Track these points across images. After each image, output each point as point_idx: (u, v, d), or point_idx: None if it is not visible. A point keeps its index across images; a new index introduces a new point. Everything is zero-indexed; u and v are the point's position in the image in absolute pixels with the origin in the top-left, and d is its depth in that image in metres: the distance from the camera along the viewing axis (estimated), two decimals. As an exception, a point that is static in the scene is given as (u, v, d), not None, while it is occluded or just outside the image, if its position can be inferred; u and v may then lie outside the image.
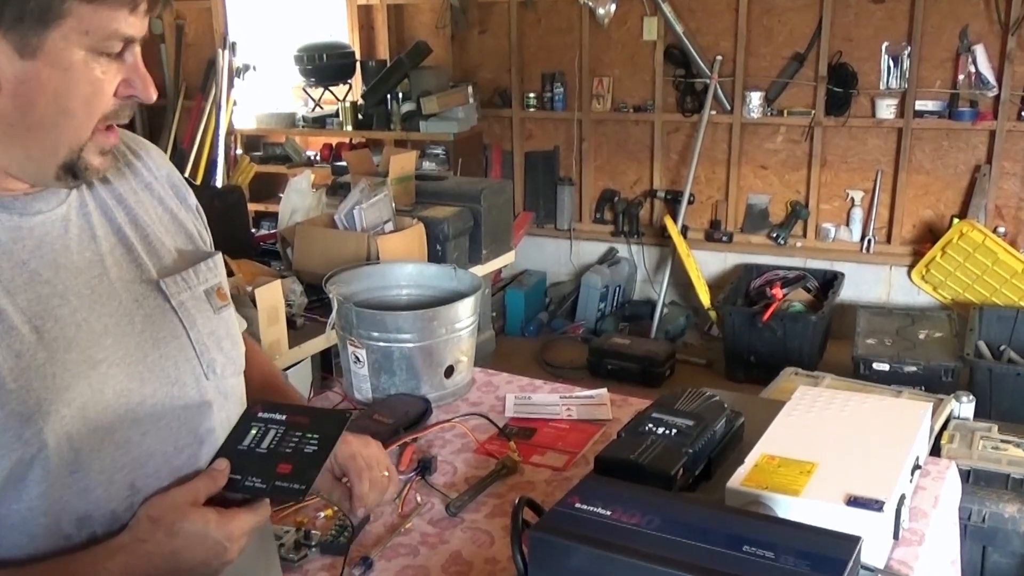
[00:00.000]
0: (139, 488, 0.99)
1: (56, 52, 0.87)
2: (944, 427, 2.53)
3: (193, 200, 1.17)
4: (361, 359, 1.94)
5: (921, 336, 4.18)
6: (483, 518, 1.56)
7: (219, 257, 1.14)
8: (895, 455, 1.48)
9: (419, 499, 1.61)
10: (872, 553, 1.32)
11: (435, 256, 2.99)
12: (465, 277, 2.16)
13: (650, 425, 1.60)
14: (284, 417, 1.10)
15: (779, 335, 4.30)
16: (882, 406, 1.66)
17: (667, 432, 1.58)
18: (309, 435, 1.07)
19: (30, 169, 0.93)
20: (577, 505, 1.20)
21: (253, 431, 1.08)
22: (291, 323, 2.47)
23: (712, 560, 1.09)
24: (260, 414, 1.10)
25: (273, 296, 2.29)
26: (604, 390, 2.04)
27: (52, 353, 0.92)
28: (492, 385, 2.09)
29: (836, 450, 1.49)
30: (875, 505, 1.33)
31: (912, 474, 1.53)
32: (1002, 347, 4.06)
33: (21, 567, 0.92)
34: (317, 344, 2.48)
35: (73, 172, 0.93)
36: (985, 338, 4.04)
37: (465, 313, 1.98)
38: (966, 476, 2.37)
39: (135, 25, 0.90)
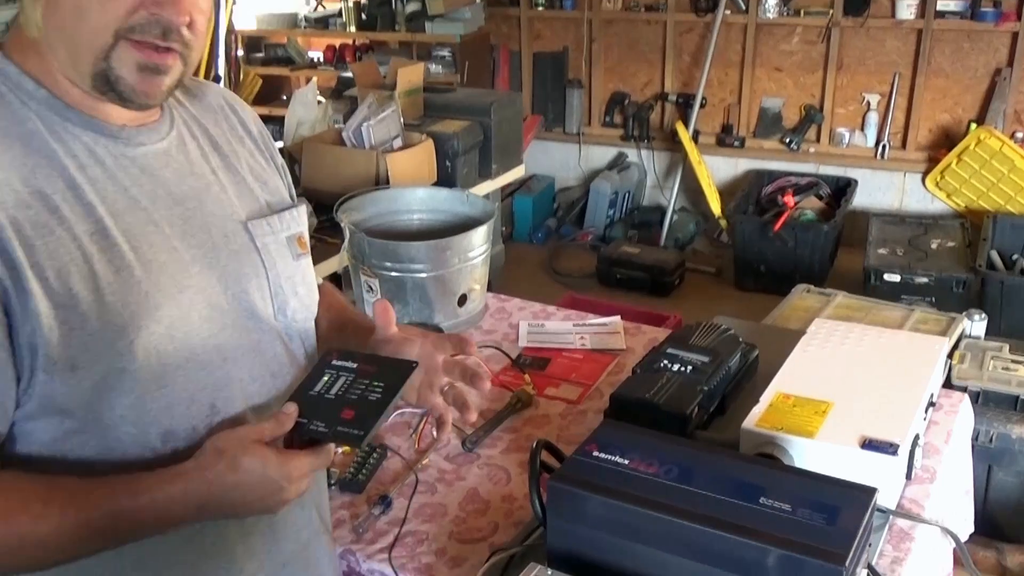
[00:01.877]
0: (219, 409, 1.04)
1: None
2: (955, 347, 2.53)
3: (280, 159, 1.23)
4: (374, 288, 1.94)
5: (933, 246, 4.15)
6: (499, 454, 1.58)
7: (303, 208, 1.19)
8: (910, 395, 1.48)
9: (435, 434, 1.61)
10: (885, 494, 1.33)
11: (444, 172, 2.96)
12: (477, 202, 2.13)
13: (665, 362, 1.60)
14: (355, 365, 1.12)
15: (790, 246, 4.28)
16: (898, 341, 1.66)
17: (682, 369, 1.58)
18: (375, 383, 1.10)
19: (73, 74, 0.96)
20: (595, 453, 1.21)
21: (325, 377, 1.11)
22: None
23: (729, 513, 1.09)
24: (334, 361, 1.13)
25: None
26: (617, 318, 2.04)
27: (147, 273, 0.97)
28: (505, 312, 2.08)
29: (851, 389, 1.49)
30: (889, 449, 1.34)
31: (926, 412, 1.53)
32: (1015, 256, 4.04)
33: (89, 479, 0.96)
34: (329, 266, 2.47)
35: (108, 82, 0.96)
36: (998, 247, 4.01)
37: (478, 241, 1.96)
38: (975, 397, 2.38)
39: None
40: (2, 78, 0.96)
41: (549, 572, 1.12)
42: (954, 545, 1.48)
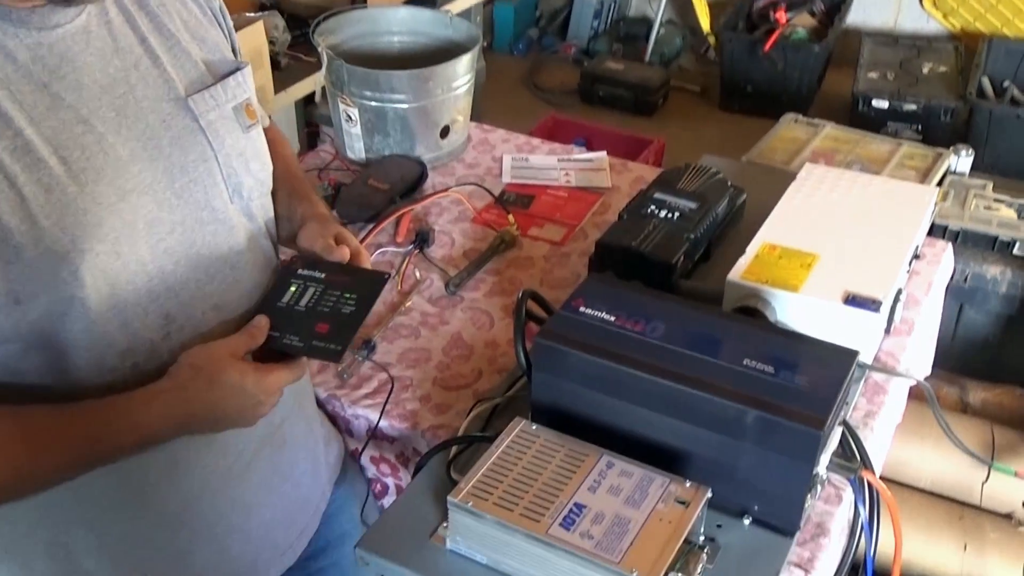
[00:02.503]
0: (174, 317, 0.99)
1: None
2: (939, 183, 2.52)
3: (217, 0, 1.08)
4: (353, 118, 1.87)
5: (925, 70, 4.06)
6: (482, 297, 1.57)
7: (248, 70, 1.06)
8: (896, 248, 1.47)
9: (418, 275, 1.61)
10: (864, 349, 1.35)
11: (424, -18, 2.80)
12: (461, 26, 2.03)
13: (652, 207, 1.57)
14: (323, 276, 1.09)
15: (779, 68, 4.17)
16: (888, 189, 1.63)
17: (669, 216, 1.56)
18: (347, 295, 1.07)
19: None
20: (581, 309, 1.21)
21: (292, 288, 1.07)
22: (275, 63, 2.35)
23: (712, 374, 1.10)
24: (300, 271, 1.09)
25: (256, 39, 2.16)
26: (603, 153, 1.99)
27: (81, 186, 0.87)
28: (488, 144, 2.03)
29: (838, 240, 1.47)
30: (872, 305, 1.34)
31: (910, 264, 1.53)
32: (1006, 83, 3.97)
33: (63, 407, 0.93)
34: (304, 87, 2.38)
35: None
36: (990, 74, 3.93)
37: (462, 71, 1.89)
38: (955, 236, 2.40)
39: None
40: None
41: (534, 427, 1.14)
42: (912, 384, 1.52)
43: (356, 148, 1.91)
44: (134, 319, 0.95)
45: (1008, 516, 2.00)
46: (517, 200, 1.83)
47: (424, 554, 1.07)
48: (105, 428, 0.93)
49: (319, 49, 1.85)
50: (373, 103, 1.84)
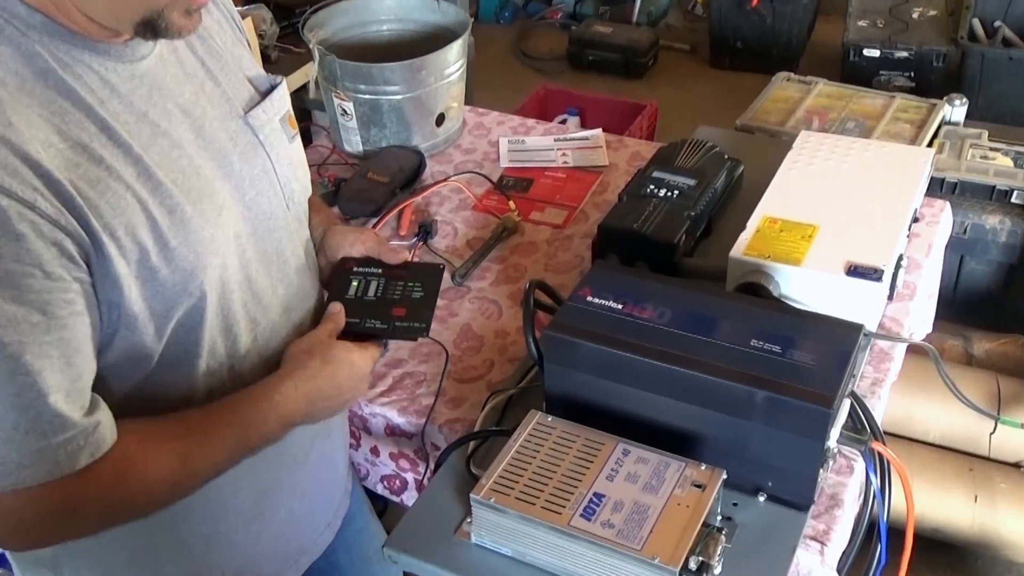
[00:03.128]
0: (258, 321, 1.06)
1: None
2: (935, 135, 2.52)
3: (239, 17, 1.13)
4: (349, 112, 1.88)
5: (915, 15, 4.03)
6: (488, 286, 1.59)
7: (284, 83, 1.12)
8: (895, 214, 1.48)
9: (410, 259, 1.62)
10: (868, 317, 1.37)
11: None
12: (449, 10, 2.03)
13: (651, 187, 1.59)
14: (380, 270, 1.21)
15: (768, 22, 4.15)
16: (884, 154, 1.64)
17: (668, 194, 1.57)
18: (411, 284, 1.20)
19: (111, 20, 0.87)
20: (589, 298, 1.22)
21: (354, 283, 1.19)
22: (265, 57, 2.35)
23: (722, 357, 1.12)
24: (356, 268, 1.20)
25: (247, 33, 2.16)
26: (599, 130, 2.00)
27: (194, 205, 0.94)
28: (483, 128, 2.04)
29: (837, 209, 1.48)
30: (874, 275, 1.36)
31: (909, 228, 1.55)
32: (996, 23, 3.94)
33: (211, 405, 1.01)
34: (296, 80, 2.38)
35: (154, 28, 0.88)
36: (981, 15, 3.90)
37: (454, 58, 1.89)
38: (952, 188, 2.41)
39: None
40: None
41: (549, 418, 1.16)
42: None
43: (353, 141, 1.92)
44: (233, 325, 1.02)
45: (1017, 465, 2.04)
46: (516, 184, 1.84)
47: (451, 550, 1.10)
48: (252, 414, 1.01)
49: (311, 46, 1.85)
50: (368, 96, 1.84)
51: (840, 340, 1.15)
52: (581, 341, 1.17)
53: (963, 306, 2.39)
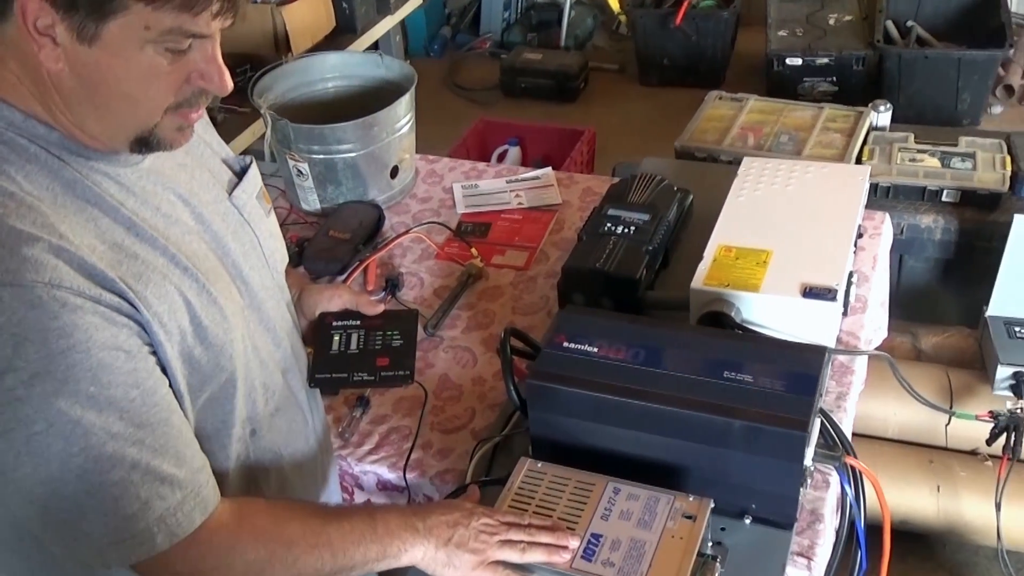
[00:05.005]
0: (268, 385, 1.12)
1: (116, 43, 0.84)
2: (864, 142, 2.63)
3: None
4: (304, 172, 1.91)
5: (831, 21, 4.17)
6: (461, 334, 1.63)
7: (254, 161, 1.17)
8: (841, 233, 1.56)
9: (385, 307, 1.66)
10: (826, 334, 1.44)
11: (342, 15, 2.84)
12: (393, 64, 2.08)
13: (608, 224, 1.65)
14: (358, 322, 1.27)
15: (692, 39, 4.26)
16: (824, 175, 1.72)
17: (626, 231, 1.63)
18: (389, 332, 1.27)
19: (104, 138, 0.93)
20: (565, 344, 1.28)
21: (336, 337, 1.26)
22: (212, 119, 2.36)
23: (697, 391, 1.18)
24: (334, 323, 1.27)
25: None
26: (549, 169, 2.06)
27: (213, 284, 0.99)
28: (436, 175, 2.08)
29: (787, 233, 1.56)
30: (828, 295, 1.43)
31: (855, 243, 1.63)
32: (909, 23, 4.09)
33: (323, 506, 1.12)
34: (244, 141, 2.41)
35: (147, 144, 0.93)
36: (894, 16, 4.05)
37: (404, 111, 1.93)
38: (886, 192, 2.51)
39: (202, 25, 0.86)
40: (10, 127, 0.89)
41: (539, 464, 1.21)
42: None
43: (310, 200, 1.95)
44: (251, 391, 1.08)
45: (973, 452, 2.13)
46: (475, 230, 1.89)
47: (457, 601, 1.13)
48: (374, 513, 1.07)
49: (262, 112, 1.88)
50: (322, 156, 1.88)
51: (806, 364, 1.22)
52: (563, 387, 1.22)
53: (906, 304, 2.49)
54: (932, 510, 2.09)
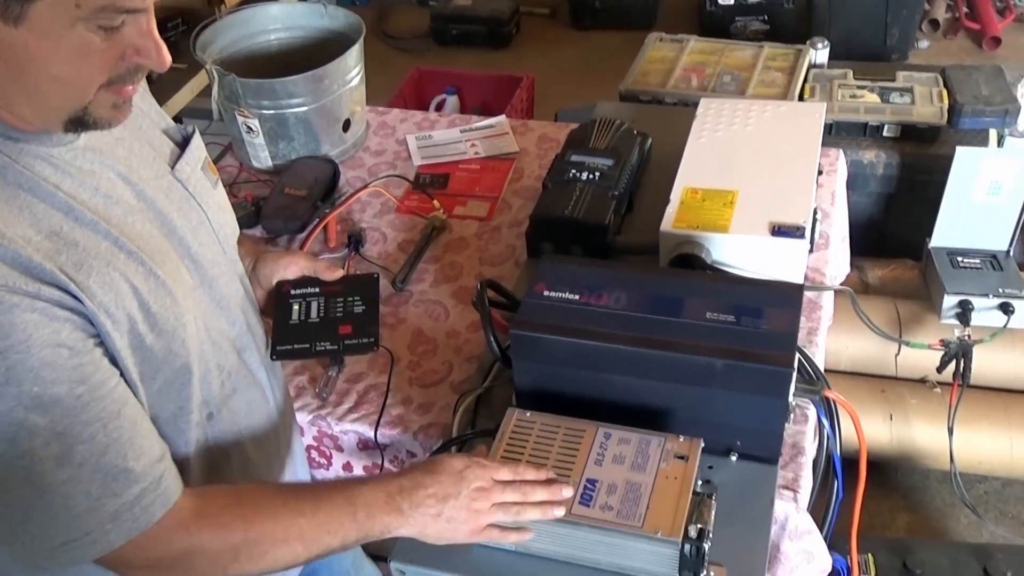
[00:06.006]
0: (224, 365, 1.07)
1: (44, 23, 0.78)
2: (804, 80, 2.65)
3: None
4: (255, 128, 1.86)
5: (760, -42, 4.19)
6: (430, 288, 1.62)
7: (196, 130, 1.11)
8: (804, 171, 1.58)
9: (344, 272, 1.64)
10: (794, 271, 1.46)
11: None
12: (337, 13, 2.02)
13: (573, 171, 1.64)
14: (317, 289, 1.22)
15: (624, -19, 4.24)
16: (781, 113, 1.73)
17: (591, 176, 1.63)
18: (351, 298, 1.22)
19: (35, 119, 0.87)
20: (546, 293, 1.27)
21: (295, 307, 1.20)
22: (147, 80, 2.28)
23: (681, 333, 1.19)
24: (292, 291, 1.21)
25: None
26: (503, 117, 2.04)
27: (161, 267, 0.94)
28: (388, 126, 2.05)
29: (751, 173, 1.57)
30: (796, 232, 1.45)
31: (816, 180, 1.65)
32: (834, -40, 4.13)
33: (297, 491, 1.04)
34: (182, 99, 2.33)
35: (82, 124, 0.87)
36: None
37: (354, 62, 1.89)
38: (829, 129, 2.54)
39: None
40: None
41: (528, 414, 1.21)
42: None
43: (262, 157, 1.90)
44: (207, 374, 1.04)
45: (922, 380, 2.21)
46: (433, 181, 1.86)
47: (456, 554, 1.13)
48: (357, 488, 1.02)
49: (207, 68, 1.82)
50: (272, 111, 1.83)
51: (785, 302, 1.24)
52: (547, 336, 1.22)
53: (852, 239, 2.53)
54: (886, 438, 2.16)
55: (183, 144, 1.07)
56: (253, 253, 1.27)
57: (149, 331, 0.93)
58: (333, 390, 1.43)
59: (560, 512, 1.07)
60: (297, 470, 1.29)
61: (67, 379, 0.84)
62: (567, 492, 1.09)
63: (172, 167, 1.03)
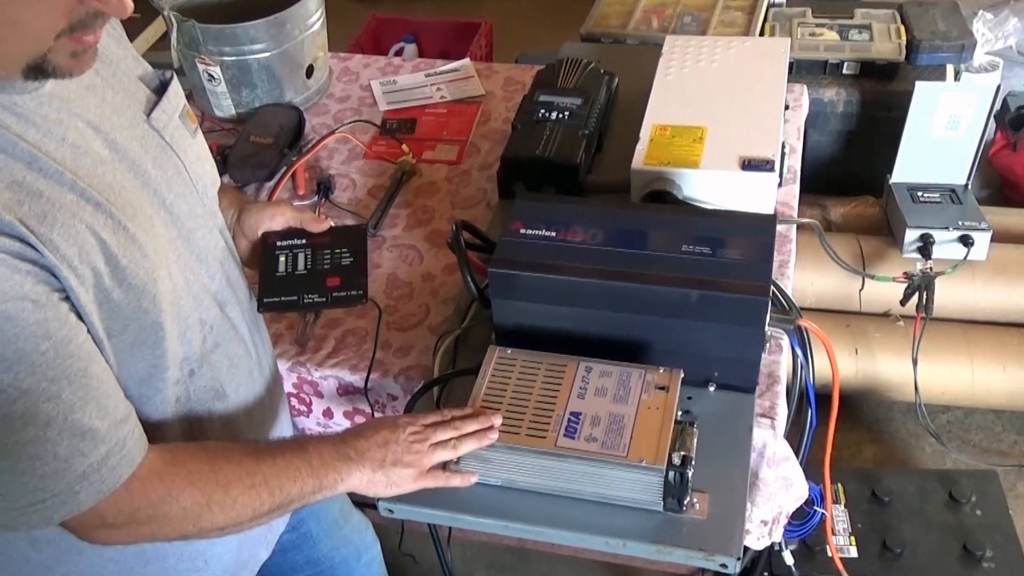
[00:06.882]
0: (206, 320, 1.06)
1: None
2: (764, 19, 2.66)
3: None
4: (216, 76, 1.82)
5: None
6: (403, 232, 1.61)
7: (175, 77, 1.07)
8: (771, 105, 1.59)
9: (333, 223, 1.62)
10: (765, 205, 1.48)
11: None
12: (295, -43, 1.97)
13: (542, 111, 1.63)
14: (304, 241, 1.20)
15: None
16: (746, 50, 1.73)
17: (560, 116, 1.62)
18: (338, 250, 1.21)
19: None
20: (522, 231, 1.27)
21: (282, 258, 1.19)
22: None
23: (658, 265, 1.20)
24: (278, 243, 1.20)
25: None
26: (467, 60, 2.02)
27: (131, 220, 0.91)
28: (351, 72, 2.02)
29: (719, 109, 1.58)
30: (766, 165, 1.46)
31: (783, 114, 1.66)
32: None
33: (255, 444, 1.05)
34: (138, 48, 2.26)
35: (42, 71, 0.82)
36: None
37: (315, 6, 1.86)
38: (790, 67, 2.55)
39: None
40: None
41: (509, 351, 1.22)
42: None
43: (224, 106, 1.87)
44: (187, 330, 1.02)
45: (886, 314, 2.25)
46: (400, 126, 1.85)
47: (443, 492, 1.14)
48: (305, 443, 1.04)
49: (164, 14, 1.77)
50: (234, 57, 1.79)
51: (759, 232, 1.25)
52: (526, 273, 1.22)
53: (812, 177, 2.55)
54: (851, 371, 2.21)
55: (160, 91, 1.03)
56: (237, 204, 1.24)
57: (117, 286, 0.90)
58: (312, 336, 1.43)
59: (494, 436, 1.11)
60: (281, 425, 1.28)
61: (32, 335, 0.81)
62: (496, 419, 1.12)
63: (148, 115, 1.00)
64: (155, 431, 1.00)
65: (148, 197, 0.97)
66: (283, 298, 1.18)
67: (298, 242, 1.21)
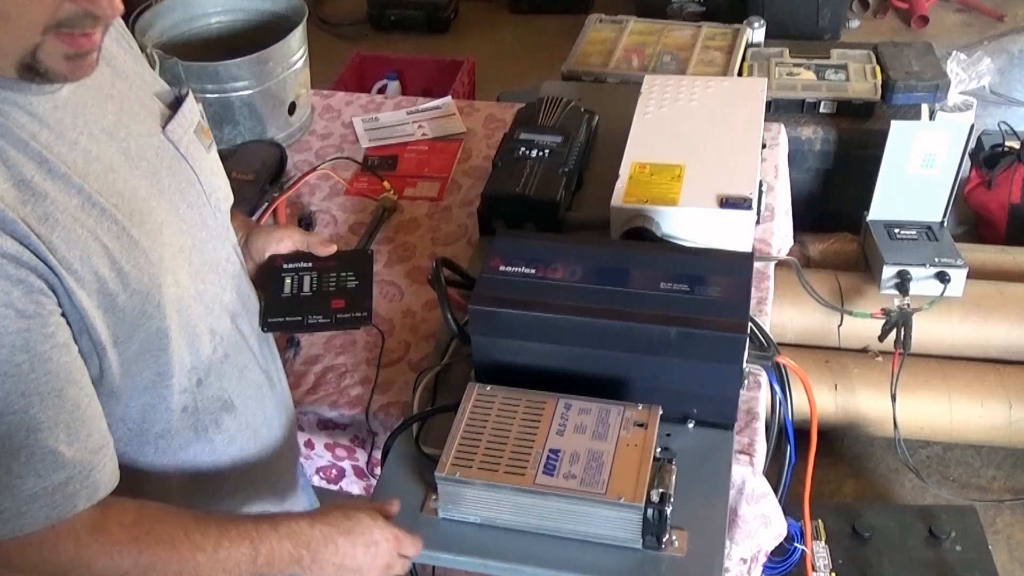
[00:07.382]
0: (215, 330, 1.07)
1: None
2: (743, 59, 2.70)
3: (130, 35, 1.09)
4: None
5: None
6: (383, 268, 1.61)
7: (191, 94, 1.10)
8: (748, 144, 1.61)
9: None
10: (742, 242, 1.49)
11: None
12: (278, -4, 2.00)
13: (523, 149, 1.65)
14: (310, 264, 1.22)
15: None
16: (724, 89, 1.76)
17: (540, 154, 1.64)
18: (344, 273, 1.22)
19: None
20: (502, 268, 1.28)
21: (287, 280, 1.20)
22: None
23: (637, 303, 1.21)
24: (284, 265, 1.22)
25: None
26: (448, 98, 2.04)
27: (138, 227, 0.93)
28: (333, 110, 2.03)
29: (697, 147, 1.60)
30: (744, 204, 1.48)
31: (760, 153, 1.68)
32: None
33: (226, 515, 1.01)
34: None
35: (35, 73, 0.83)
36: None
37: (297, 45, 1.87)
38: (768, 107, 2.59)
39: None
40: None
41: (488, 388, 1.22)
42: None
43: (206, 142, 1.87)
44: (195, 339, 1.03)
45: (864, 350, 2.26)
46: (382, 163, 1.86)
47: (421, 528, 1.14)
48: (269, 529, 0.99)
49: (147, 51, 1.78)
50: (216, 95, 1.80)
51: (737, 270, 1.27)
52: (505, 310, 1.23)
53: (792, 214, 2.59)
54: (831, 407, 2.22)
55: (175, 106, 1.06)
56: (245, 227, 1.27)
57: (121, 290, 0.91)
58: (290, 373, 1.43)
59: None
60: (290, 443, 1.28)
61: (8, 344, 0.80)
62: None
63: (164, 128, 1.02)
64: (160, 442, 1.02)
65: (163, 205, 0.99)
66: (287, 318, 1.20)
67: (304, 265, 1.24)
